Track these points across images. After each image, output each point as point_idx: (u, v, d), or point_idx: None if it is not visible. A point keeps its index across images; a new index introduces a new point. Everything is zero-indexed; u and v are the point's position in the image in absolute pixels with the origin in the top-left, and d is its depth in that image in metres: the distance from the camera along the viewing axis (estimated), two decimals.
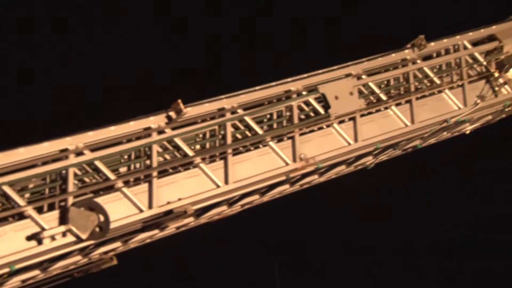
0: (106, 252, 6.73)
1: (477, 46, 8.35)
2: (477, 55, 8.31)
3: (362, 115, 7.42)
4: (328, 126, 7.27)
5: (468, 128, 8.55)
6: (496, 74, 8.31)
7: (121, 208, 6.08)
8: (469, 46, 8.29)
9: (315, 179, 7.65)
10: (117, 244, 6.65)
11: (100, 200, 5.96)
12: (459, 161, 17.89)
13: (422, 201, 18.79)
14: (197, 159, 6.54)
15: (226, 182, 6.66)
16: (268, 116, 7.25)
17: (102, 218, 5.92)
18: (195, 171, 6.59)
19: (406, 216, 18.53)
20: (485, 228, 18.39)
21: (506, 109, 8.53)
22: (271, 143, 6.96)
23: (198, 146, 6.90)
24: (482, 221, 18.44)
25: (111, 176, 6.12)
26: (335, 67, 7.55)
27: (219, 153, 6.74)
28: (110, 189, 6.09)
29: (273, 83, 7.23)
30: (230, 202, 7.17)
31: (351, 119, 7.35)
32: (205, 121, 6.79)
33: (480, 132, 8.95)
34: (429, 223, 18.61)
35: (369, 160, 7.91)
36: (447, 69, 8.16)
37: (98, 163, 6.10)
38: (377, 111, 7.55)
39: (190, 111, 6.57)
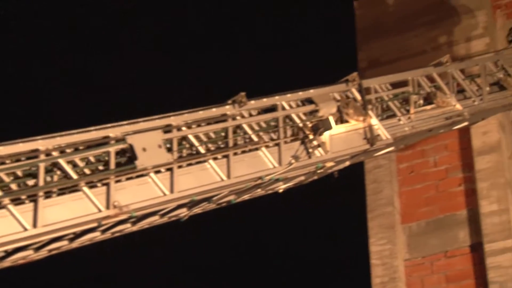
0: None
1: (296, 108, 8.48)
2: (294, 116, 8.43)
3: (180, 167, 7.36)
4: (144, 175, 7.15)
5: (281, 187, 8.62)
6: (311, 136, 8.43)
7: None
8: (287, 106, 8.40)
9: (127, 227, 7.47)
10: None
11: None
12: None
13: None
14: (5, 200, 6.27)
15: (35, 225, 6.40)
16: (86, 160, 7.05)
17: None
18: (2, 212, 6.31)
19: None
20: None
21: (318, 171, 8.66)
22: (84, 188, 6.76)
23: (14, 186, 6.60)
24: None
25: None
26: (156, 116, 7.46)
27: (29, 195, 6.48)
28: None
29: (92, 128, 7.06)
30: (37, 247, 6.88)
31: (168, 170, 7.27)
32: (19, 160, 6.53)
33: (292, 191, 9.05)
34: None
35: (183, 212, 7.82)
36: (266, 127, 8.23)
37: None
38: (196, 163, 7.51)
39: (2, 150, 6.33)
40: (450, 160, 14.39)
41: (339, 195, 17.72)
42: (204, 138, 7.76)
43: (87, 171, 6.94)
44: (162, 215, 7.69)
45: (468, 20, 14.84)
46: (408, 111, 9.36)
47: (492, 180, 13.74)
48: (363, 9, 15.81)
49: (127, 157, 7.07)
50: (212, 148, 7.78)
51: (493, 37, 14.66)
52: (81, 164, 6.95)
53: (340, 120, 8.64)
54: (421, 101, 9.57)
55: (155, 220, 7.71)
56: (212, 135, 7.86)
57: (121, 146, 7.04)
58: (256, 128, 8.14)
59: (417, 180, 14.49)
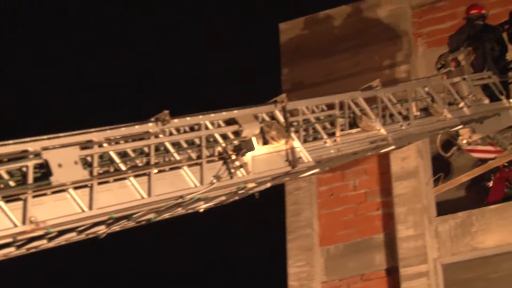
0: None
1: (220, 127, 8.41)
2: (217, 136, 8.36)
3: (100, 183, 7.22)
4: (63, 190, 6.99)
5: (202, 206, 8.53)
6: (234, 157, 8.36)
7: None
8: (210, 126, 8.33)
9: (43, 243, 7.28)
10: None
11: None
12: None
13: None
14: None
15: None
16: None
17: None
18: None
19: None
20: None
21: (239, 192, 8.60)
22: (0, 203, 6.58)
23: None
24: None
25: None
26: (77, 132, 7.31)
27: None
28: None
29: (11, 141, 6.88)
30: None
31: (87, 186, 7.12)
32: None
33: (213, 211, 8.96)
34: None
35: (101, 229, 7.66)
36: (190, 146, 8.14)
37: None
38: (116, 180, 7.37)
39: None
40: (369, 184, 14.50)
41: (259, 216, 17.71)
42: (132, 154, 7.64)
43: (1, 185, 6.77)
44: (80, 232, 7.52)
45: (391, 47, 15.02)
46: (334, 133, 9.39)
47: (409, 205, 13.87)
48: (288, 31, 15.88)
49: (42, 173, 6.91)
50: (134, 165, 7.65)
51: (414, 65, 14.85)
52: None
53: (263, 141, 8.61)
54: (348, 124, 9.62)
55: (72, 236, 7.54)
56: (131, 153, 7.73)
57: (37, 161, 6.87)
58: (185, 145, 8.05)
59: (337, 203, 14.55)
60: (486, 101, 11.62)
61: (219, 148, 8.34)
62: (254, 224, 19.33)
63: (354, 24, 15.44)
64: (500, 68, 12.26)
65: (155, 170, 7.68)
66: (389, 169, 14.24)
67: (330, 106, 9.65)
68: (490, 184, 14.32)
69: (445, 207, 14.51)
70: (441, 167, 14.62)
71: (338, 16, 15.63)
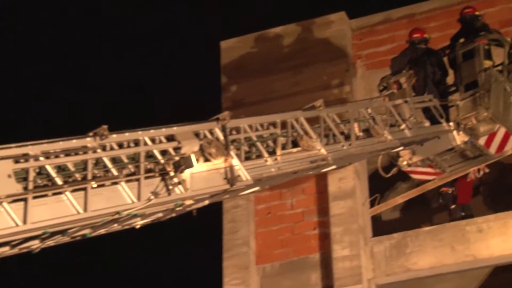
0: None
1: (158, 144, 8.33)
2: (156, 152, 8.27)
3: (36, 197, 7.08)
4: None
5: (138, 223, 8.42)
6: (172, 173, 8.29)
7: None
8: (149, 142, 8.24)
9: None
10: None
11: None
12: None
13: None
14: None
15: None
16: None
17: None
18: None
19: None
20: None
21: (177, 208, 8.51)
22: None
23: None
24: None
25: None
26: (13, 145, 7.17)
27: None
28: None
29: None
30: None
31: (22, 200, 6.98)
32: None
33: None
34: None
35: (36, 244, 7.51)
36: (129, 162, 8.03)
37: None
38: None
39: None
40: (306, 203, 14.51)
41: (196, 233, 17.61)
42: (72, 168, 7.51)
43: None
44: (13, 246, 7.36)
45: (331, 68, 15.09)
46: (275, 152, 9.36)
47: (346, 225, 13.91)
48: (229, 50, 15.86)
49: None
50: (73, 180, 7.52)
51: (353, 86, 14.94)
52: None
53: (203, 158, 8.54)
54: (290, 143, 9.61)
55: (5, 251, 7.38)
56: (71, 167, 7.61)
57: None
58: (126, 161, 7.93)
59: (274, 222, 14.53)
60: (427, 123, 11.72)
61: (157, 165, 8.25)
62: (191, 241, 19.21)
63: (295, 43, 15.48)
64: (440, 91, 12.38)
65: (95, 185, 7.57)
66: (327, 189, 14.27)
67: (275, 125, 9.63)
68: (450, 191, 14.39)
69: (380, 228, 14.61)
70: (378, 188, 14.72)
71: (279, 35, 15.66)
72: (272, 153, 9.33)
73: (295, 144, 9.63)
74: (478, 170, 14.54)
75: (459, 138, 11.97)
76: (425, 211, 16.07)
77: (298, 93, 14.85)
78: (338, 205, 14.07)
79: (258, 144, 9.22)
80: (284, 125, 9.67)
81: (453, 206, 14.46)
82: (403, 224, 14.93)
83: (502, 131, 12.53)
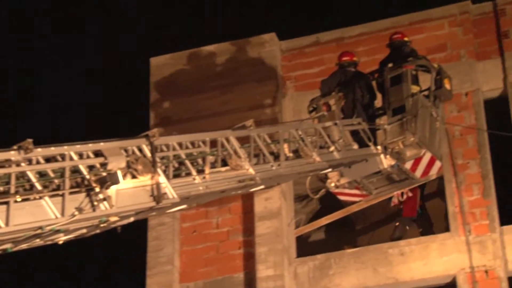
0: None
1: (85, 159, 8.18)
2: (82, 167, 8.12)
3: None
4: None
5: (61, 238, 8.25)
6: (98, 189, 8.15)
7: None
8: (75, 157, 8.09)
9: None
10: None
11: None
12: None
13: None
14: None
15: None
16: None
17: None
18: None
19: None
20: None
21: (101, 225, 8.37)
22: None
23: None
24: None
25: None
26: None
27: None
28: None
29: None
30: None
31: None
32: None
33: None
34: None
35: None
36: (55, 176, 7.87)
37: None
38: None
39: None
40: (232, 223, 14.46)
41: (120, 250, 17.41)
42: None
43: None
44: None
45: (260, 88, 15.09)
46: (204, 170, 9.29)
47: (271, 245, 13.89)
48: (160, 66, 15.75)
49: None
50: None
51: (282, 107, 14.95)
52: None
53: (130, 175, 8.42)
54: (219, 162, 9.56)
55: None
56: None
57: None
58: (53, 175, 7.77)
59: (199, 240, 14.44)
60: (355, 146, 11.79)
61: (83, 180, 8.10)
62: (114, 258, 18.99)
63: (225, 63, 15.45)
64: (369, 115, 12.47)
65: (19, 199, 7.39)
66: (253, 209, 14.25)
67: (205, 143, 9.55)
68: (402, 199, 14.51)
69: (305, 249, 14.63)
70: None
71: (209, 54, 15.61)
72: (201, 171, 9.26)
73: (224, 163, 9.58)
74: (402, 194, 14.69)
75: (386, 161, 12.05)
76: (349, 233, 16.16)
77: (227, 112, 14.81)
78: (264, 225, 14.05)
79: (187, 162, 9.14)
80: (214, 143, 9.61)
81: (397, 224, 14.61)
82: (328, 246, 14.98)
83: (428, 156, 12.69)
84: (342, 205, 14.54)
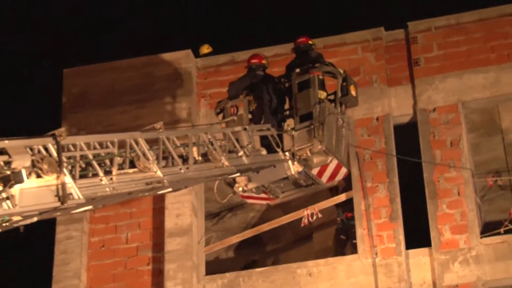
0: None
1: None
2: None
3: None
4: None
5: None
6: (1, 188, 7.87)
7: None
8: None
9: None
10: None
11: None
12: None
13: None
14: None
15: None
16: None
17: None
18: None
19: None
20: None
21: (4, 224, 8.10)
22: None
23: None
24: None
25: None
26: None
27: None
28: None
29: None
30: None
31: None
32: None
33: None
34: None
35: None
36: None
37: None
38: None
39: None
40: (142, 238, 14.22)
41: (27, 263, 16.95)
42: None
43: None
44: None
45: (175, 104, 14.95)
46: (111, 172, 9.07)
47: (180, 262, 13.69)
48: (72, 78, 15.45)
49: None
50: None
51: (196, 123, 14.80)
52: None
53: (35, 174, 8.16)
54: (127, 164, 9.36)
55: None
56: None
57: None
58: None
59: (107, 255, 14.15)
60: (264, 152, 11.69)
61: None
62: (20, 271, 18.47)
63: (139, 78, 15.25)
64: (277, 120, 12.40)
65: None
66: (163, 225, 14.04)
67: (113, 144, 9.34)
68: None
69: (214, 267, 14.49)
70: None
71: (124, 68, 15.38)
72: (108, 172, 9.03)
73: (132, 164, 9.39)
74: (312, 215, 14.63)
75: (294, 168, 11.99)
76: (259, 252, 16.08)
77: (140, 127, 14.34)
78: (174, 242, 13.85)
79: (94, 162, 8.91)
80: (123, 145, 9.41)
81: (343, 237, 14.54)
82: (237, 264, 14.86)
83: (334, 163, 12.65)
84: (253, 224, 14.46)
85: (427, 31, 14.81)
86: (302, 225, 14.74)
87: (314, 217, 14.56)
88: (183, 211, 13.94)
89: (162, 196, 14.08)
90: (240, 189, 12.05)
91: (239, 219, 14.91)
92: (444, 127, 14.13)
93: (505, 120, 15.10)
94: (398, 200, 13.84)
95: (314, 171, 12.59)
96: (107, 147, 9.18)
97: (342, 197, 14.42)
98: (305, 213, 14.21)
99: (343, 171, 13.33)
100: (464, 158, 13.83)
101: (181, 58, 15.27)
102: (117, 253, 14.15)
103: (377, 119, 14.42)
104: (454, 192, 13.67)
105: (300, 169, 11.99)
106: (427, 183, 13.81)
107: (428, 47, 14.70)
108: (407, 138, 14.29)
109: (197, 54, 15.42)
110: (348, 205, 14.55)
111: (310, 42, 12.99)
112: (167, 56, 15.32)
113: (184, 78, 15.14)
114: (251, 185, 12.06)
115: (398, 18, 16.25)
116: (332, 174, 13.28)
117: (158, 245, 14.05)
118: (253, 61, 12.93)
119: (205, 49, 15.52)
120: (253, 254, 15.69)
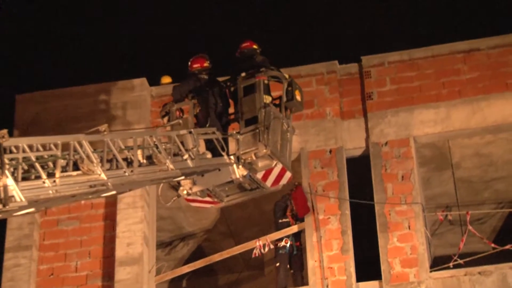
0: None
1: None
2: None
3: None
4: None
5: None
6: None
7: None
8: None
9: None
10: None
11: None
12: None
13: None
14: None
15: None
16: None
17: None
18: None
19: None
20: None
21: None
22: None
23: None
24: None
25: None
26: None
27: None
28: None
29: None
30: None
31: None
32: None
33: None
34: None
35: None
36: None
37: None
38: None
39: None
40: (92, 267, 13.85)
41: None
42: None
43: None
44: None
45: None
46: (55, 174, 8.72)
47: None
48: (24, 103, 15.07)
49: None
50: None
51: None
52: None
53: None
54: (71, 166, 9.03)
55: None
56: None
57: None
58: None
59: (56, 284, 13.75)
60: (209, 155, 11.42)
61: None
62: None
63: (93, 104, 14.92)
64: (223, 123, 12.12)
65: None
66: (114, 253, 13.70)
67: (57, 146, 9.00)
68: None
69: None
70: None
71: (78, 94, 15.02)
72: (51, 175, 8.65)
73: (76, 167, 9.03)
74: (264, 246, 14.36)
75: (239, 171, 11.72)
76: (211, 282, 15.83)
77: None
78: (124, 271, 13.50)
79: (37, 164, 8.53)
80: (67, 147, 9.05)
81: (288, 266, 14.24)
82: None
83: (279, 167, 12.39)
84: (206, 254, 14.15)
85: (380, 66, 14.74)
86: (253, 256, 14.47)
87: (266, 248, 14.31)
88: (134, 239, 13.61)
89: (113, 225, 13.76)
90: (185, 192, 11.77)
91: (190, 248, 14.61)
92: (396, 160, 14.02)
93: (455, 155, 15.05)
94: (349, 232, 13.67)
95: (259, 175, 12.30)
96: (50, 149, 8.79)
97: (294, 229, 14.20)
98: (257, 244, 13.96)
99: (288, 175, 13.08)
100: (415, 192, 13.72)
101: (136, 86, 14.98)
102: (67, 282, 13.76)
103: (330, 151, 14.27)
104: (405, 226, 13.54)
105: (245, 173, 11.74)
106: (378, 216, 13.66)
107: (381, 81, 14.63)
108: (359, 171, 14.17)
109: (152, 83, 15.15)
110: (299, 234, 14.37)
111: (254, 46, 12.74)
112: (122, 83, 15.02)
113: (138, 106, 14.85)
114: (196, 189, 11.78)
115: (352, 52, 16.18)
116: (276, 178, 13.03)
117: (108, 274, 13.69)
118: (195, 66, 12.55)
119: (166, 79, 15.26)
120: (205, 284, 15.40)
